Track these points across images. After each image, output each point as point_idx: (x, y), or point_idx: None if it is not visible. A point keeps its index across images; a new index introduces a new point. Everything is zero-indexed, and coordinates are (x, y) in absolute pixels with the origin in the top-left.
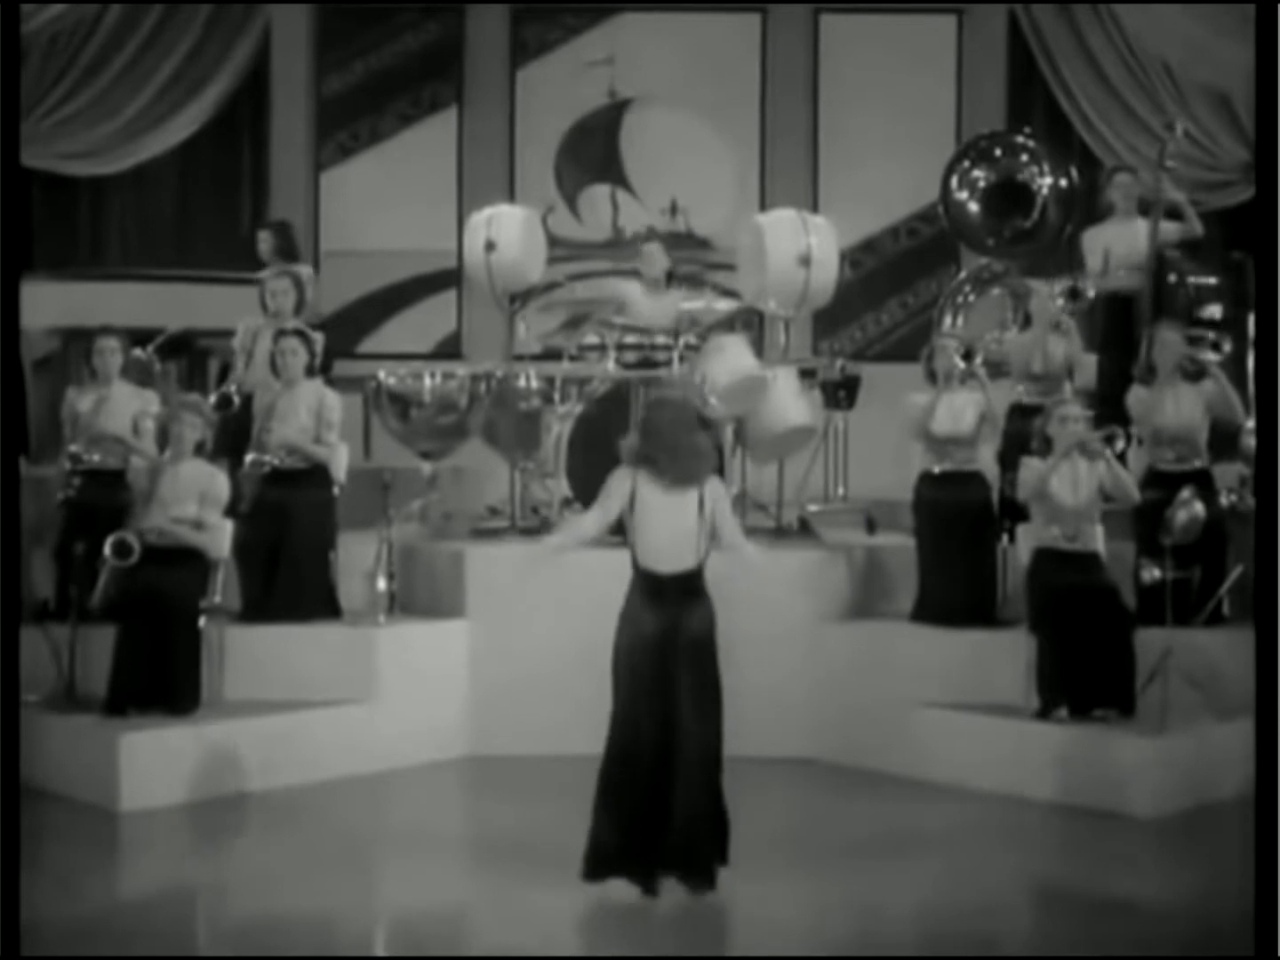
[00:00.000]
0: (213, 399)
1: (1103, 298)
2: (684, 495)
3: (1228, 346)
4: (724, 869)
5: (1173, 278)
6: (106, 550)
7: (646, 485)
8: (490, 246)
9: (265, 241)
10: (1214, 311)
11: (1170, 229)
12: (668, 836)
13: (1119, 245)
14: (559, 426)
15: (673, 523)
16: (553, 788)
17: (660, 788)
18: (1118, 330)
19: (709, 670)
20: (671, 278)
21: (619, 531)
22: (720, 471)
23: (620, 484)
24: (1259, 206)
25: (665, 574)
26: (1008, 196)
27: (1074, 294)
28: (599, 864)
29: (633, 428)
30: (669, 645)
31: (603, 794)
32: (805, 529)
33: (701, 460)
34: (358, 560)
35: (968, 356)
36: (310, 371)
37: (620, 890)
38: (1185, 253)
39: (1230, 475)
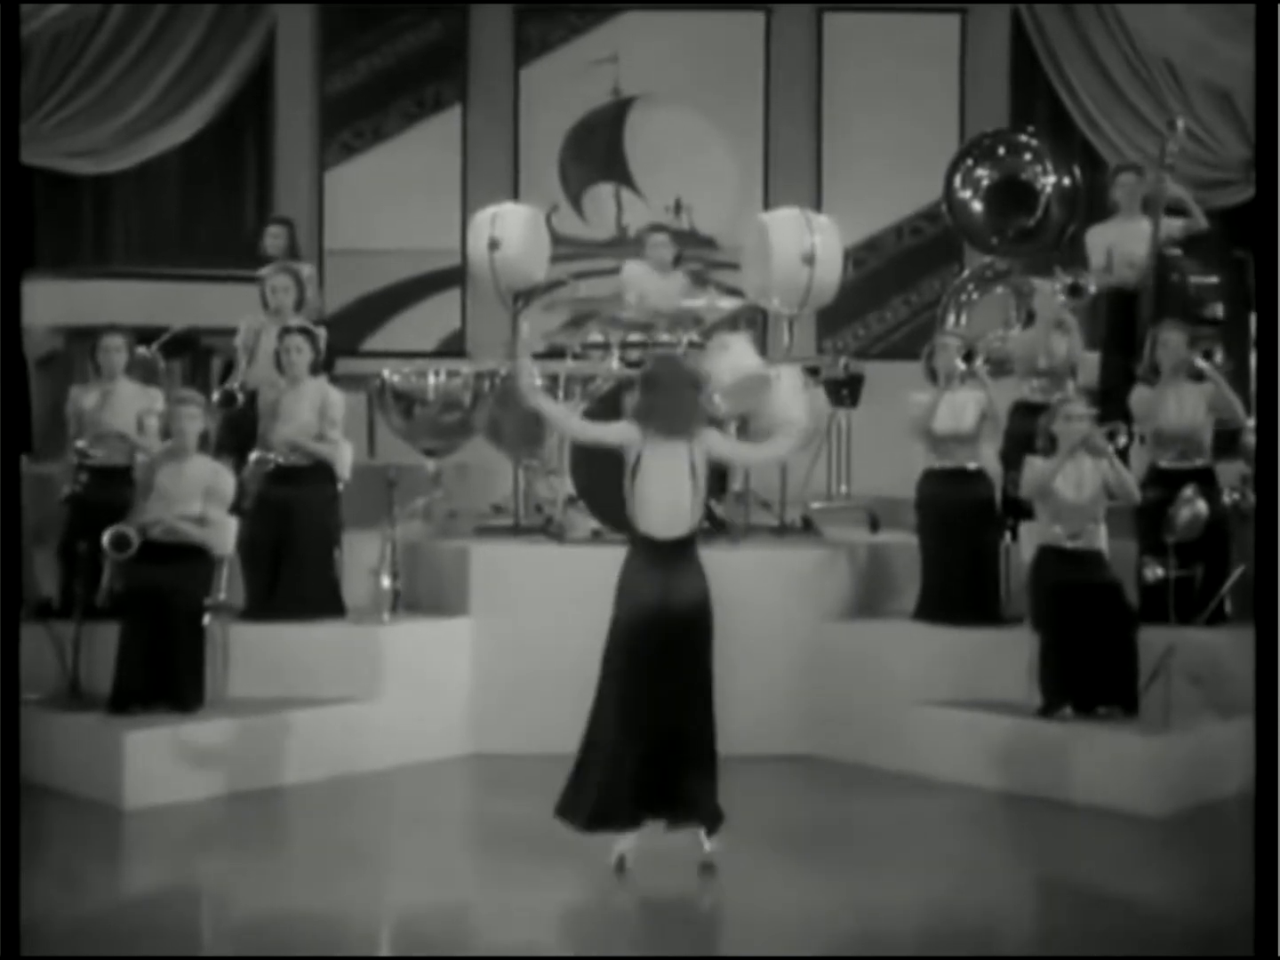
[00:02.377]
0: (216, 396)
1: (1106, 296)
2: (677, 458)
3: (1219, 356)
4: (726, 864)
5: (1175, 277)
6: (105, 544)
7: (648, 448)
8: (494, 245)
9: (279, 238)
10: (1215, 311)
11: (1174, 225)
12: (675, 787)
13: (1122, 243)
14: None
15: (668, 487)
16: (557, 785)
17: (657, 748)
18: (1121, 328)
19: (706, 634)
20: (679, 260)
21: (621, 529)
22: (723, 472)
23: (631, 431)
24: (1259, 206)
25: (662, 539)
26: (1011, 195)
27: (1075, 290)
28: (572, 809)
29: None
30: (668, 609)
31: (588, 752)
32: (808, 527)
33: (696, 410)
34: (362, 558)
35: (968, 357)
36: (315, 369)
37: (621, 888)
38: (1187, 250)
39: (1233, 474)
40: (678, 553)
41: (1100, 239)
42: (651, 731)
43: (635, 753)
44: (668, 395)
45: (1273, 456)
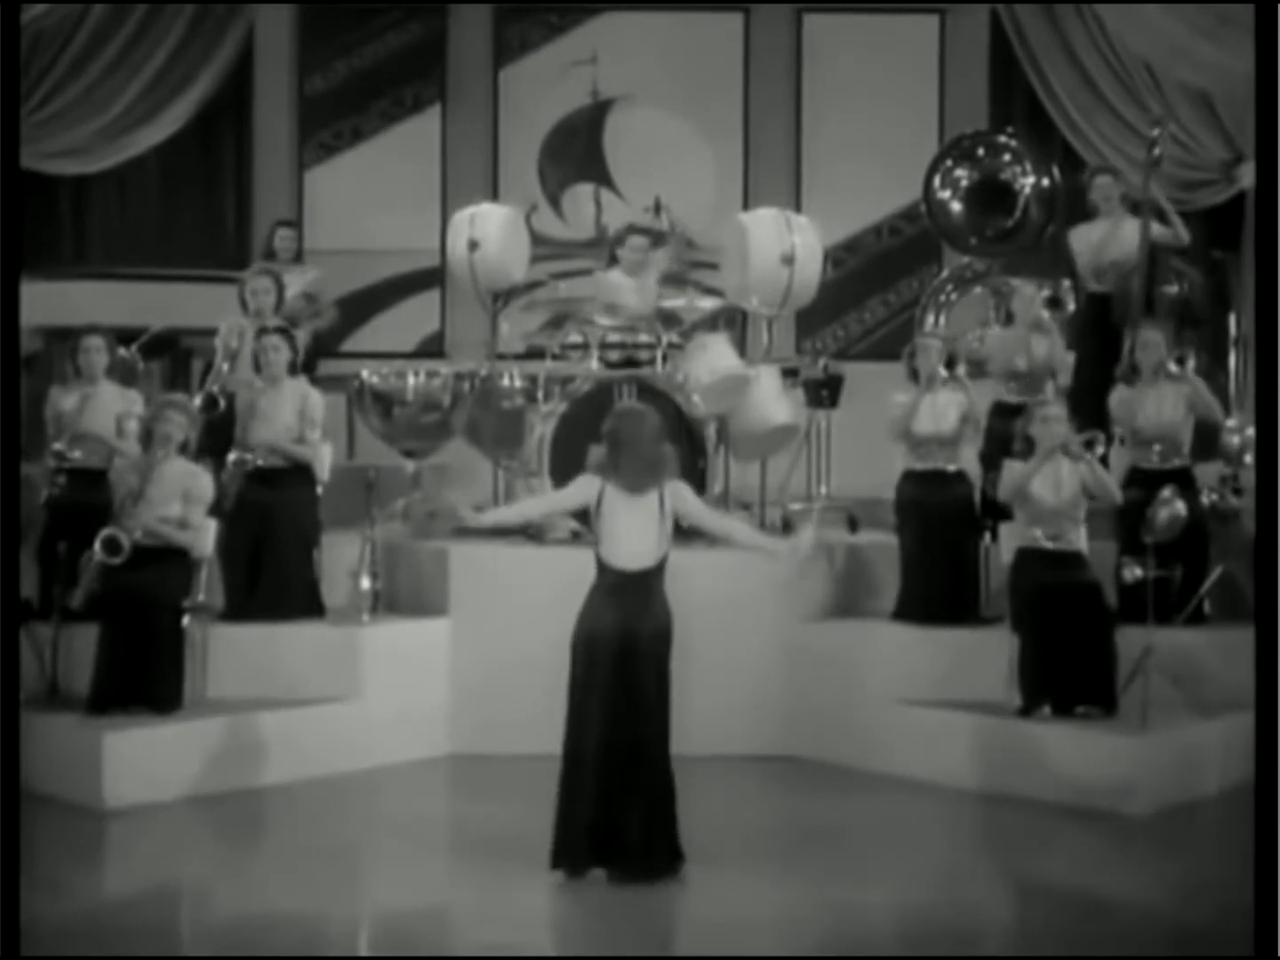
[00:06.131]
0: (198, 400)
1: (1082, 297)
2: (646, 499)
3: (1191, 363)
4: (705, 865)
5: (1168, 276)
6: (96, 547)
7: (612, 491)
8: (473, 245)
9: (288, 239)
10: (1204, 309)
11: (1157, 231)
12: (629, 830)
13: (1101, 246)
14: (542, 425)
15: (636, 522)
16: (536, 786)
17: (620, 781)
18: (1096, 329)
19: (664, 666)
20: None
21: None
22: (702, 473)
23: (587, 486)
24: (1259, 206)
25: (630, 570)
26: (990, 195)
27: (1054, 303)
28: (565, 854)
29: (603, 439)
30: (629, 640)
31: (564, 786)
32: (788, 528)
33: (661, 467)
34: (341, 559)
35: (950, 364)
36: (294, 369)
37: (602, 888)
38: (1173, 252)
39: (1211, 475)
40: (642, 584)
41: (1083, 241)
42: (606, 767)
43: (598, 789)
44: (632, 454)
45: (1273, 456)
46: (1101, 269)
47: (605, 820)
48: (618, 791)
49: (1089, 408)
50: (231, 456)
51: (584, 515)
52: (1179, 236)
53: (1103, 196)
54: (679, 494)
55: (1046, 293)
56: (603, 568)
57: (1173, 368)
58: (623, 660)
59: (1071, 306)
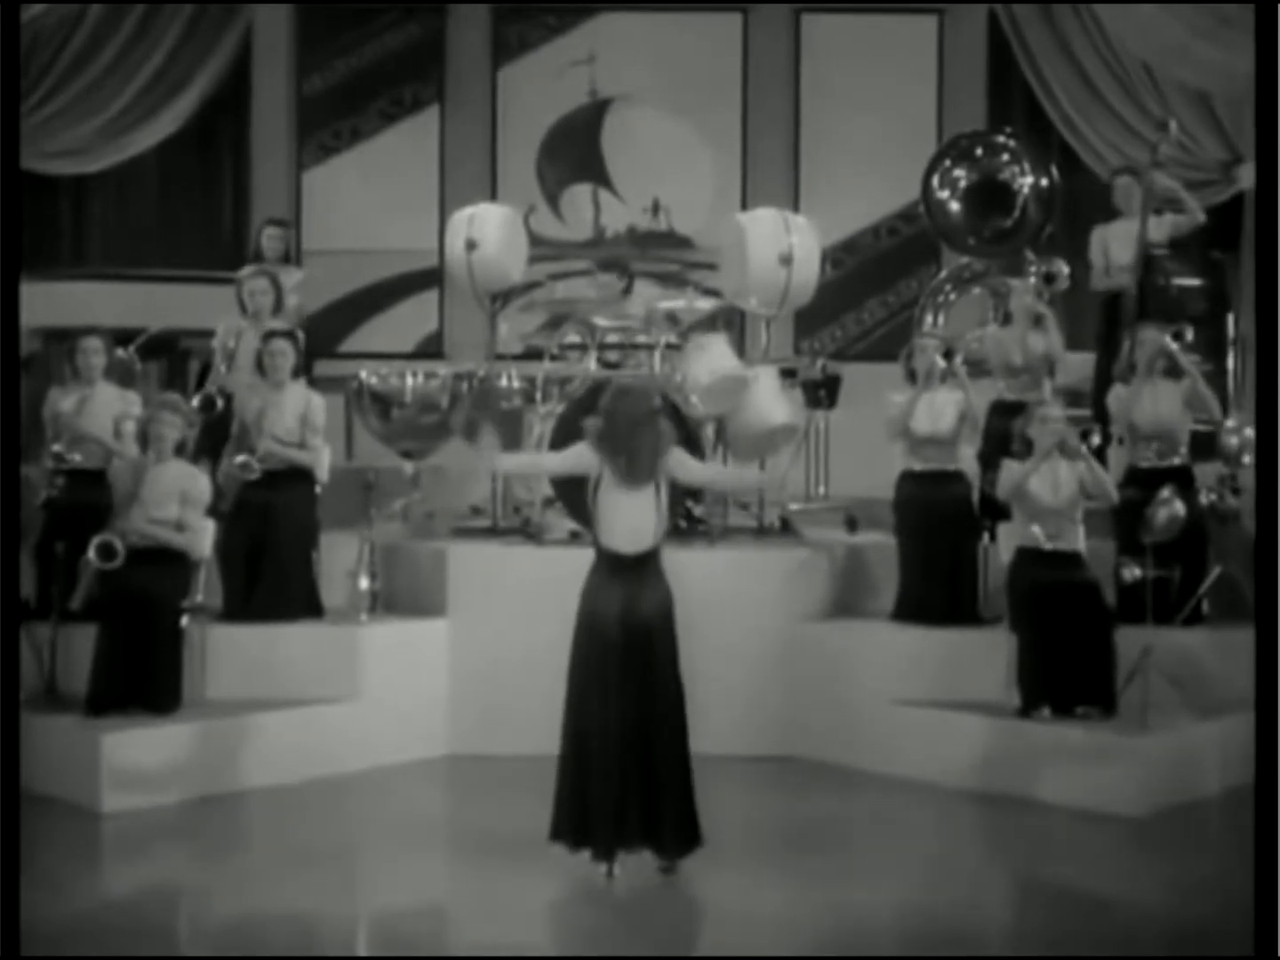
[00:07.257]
0: (195, 401)
1: (1100, 298)
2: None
3: (1190, 334)
4: (707, 865)
5: (1160, 280)
6: (90, 553)
7: (607, 473)
8: (471, 246)
9: (276, 239)
10: (1197, 311)
11: (1166, 223)
12: (645, 811)
13: (1117, 244)
14: (540, 426)
15: (632, 505)
16: (534, 786)
17: (628, 764)
18: (1109, 329)
19: (670, 647)
20: (631, 280)
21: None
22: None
23: (589, 457)
24: (1259, 207)
25: (625, 554)
26: (988, 196)
27: (1049, 277)
28: (563, 830)
29: (598, 413)
30: (635, 620)
31: (563, 768)
32: (787, 528)
33: (656, 457)
34: (340, 559)
35: (948, 355)
36: (296, 373)
37: (602, 884)
38: (1171, 252)
39: (1210, 475)
40: (640, 566)
41: (1099, 240)
42: (616, 749)
43: (601, 769)
44: (628, 447)
45: (1272, 457)
46: (1110, 269)
47: (624, 802)
48: (635, 773)
49: (1100, 406)
50: (238, 459)
51: (584, 514)
52: (1195, 218)
53: (1124, 197)
54: (680, 464)
55: (1043, 267)
56: (600, 550)
57: (1171, 344)
58: (631, 640)
59: (1066, 270)
